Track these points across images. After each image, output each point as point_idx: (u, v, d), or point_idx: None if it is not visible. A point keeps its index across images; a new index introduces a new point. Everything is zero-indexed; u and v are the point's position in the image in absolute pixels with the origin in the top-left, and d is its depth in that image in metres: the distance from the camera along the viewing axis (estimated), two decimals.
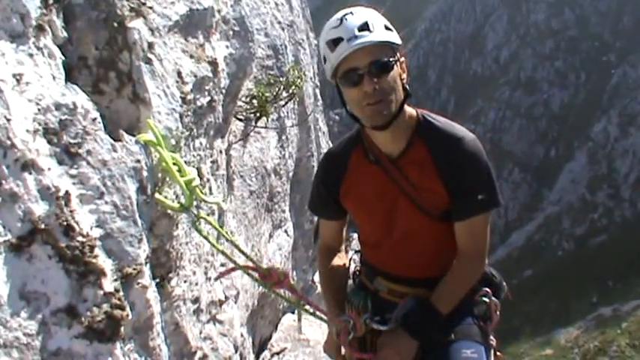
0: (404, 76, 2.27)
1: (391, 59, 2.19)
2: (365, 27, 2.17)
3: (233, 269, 2.45)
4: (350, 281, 2.79)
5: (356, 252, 2.80)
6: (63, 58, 1.95)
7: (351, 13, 2.22)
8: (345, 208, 2.58)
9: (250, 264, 2.45)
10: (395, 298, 2.50)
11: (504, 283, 2.65)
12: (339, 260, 2.73)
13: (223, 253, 2.47)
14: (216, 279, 3.11)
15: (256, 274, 2.44)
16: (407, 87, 2.27)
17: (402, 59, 2.26)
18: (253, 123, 4.65)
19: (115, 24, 2.14)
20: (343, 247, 2.81)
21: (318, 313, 2.57)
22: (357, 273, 2.76)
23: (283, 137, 5.72)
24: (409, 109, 2.37)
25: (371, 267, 2.61)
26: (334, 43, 2.20)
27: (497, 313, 2.56)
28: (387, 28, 2.22)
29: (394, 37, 2.22)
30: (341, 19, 2.20)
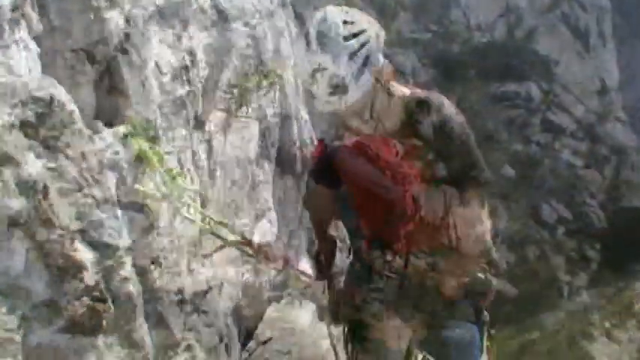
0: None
1: None
2: (334, 90, 2.10)
3: (223, 246, 2.49)
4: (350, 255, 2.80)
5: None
6: (39, 50, 1.94)
7: (319, 69, 2.09)
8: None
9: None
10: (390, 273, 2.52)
11: (504, 263, 2.61)
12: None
13: (213, 233, 2.49)
14: (205, 257, 3.11)
15: (248, 249, 2.46)
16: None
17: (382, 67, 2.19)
18: (234, 113, 4.62)
19: (91, 15, 2.12)
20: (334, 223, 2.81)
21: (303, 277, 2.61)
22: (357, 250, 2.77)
23: (264, 126, 5.69)
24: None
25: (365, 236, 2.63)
26: None
27: (492, 290, 2.56)
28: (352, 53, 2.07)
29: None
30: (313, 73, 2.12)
